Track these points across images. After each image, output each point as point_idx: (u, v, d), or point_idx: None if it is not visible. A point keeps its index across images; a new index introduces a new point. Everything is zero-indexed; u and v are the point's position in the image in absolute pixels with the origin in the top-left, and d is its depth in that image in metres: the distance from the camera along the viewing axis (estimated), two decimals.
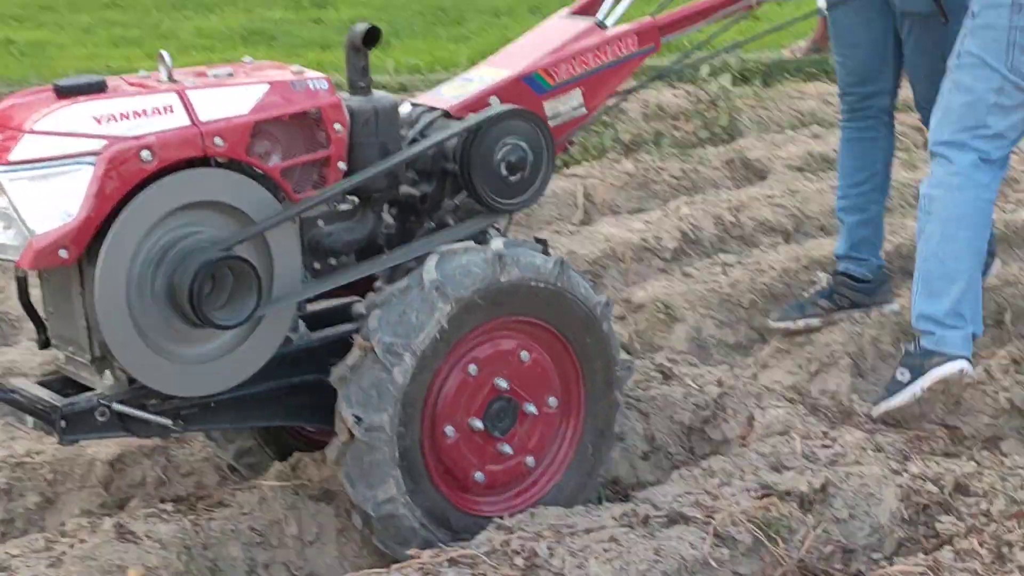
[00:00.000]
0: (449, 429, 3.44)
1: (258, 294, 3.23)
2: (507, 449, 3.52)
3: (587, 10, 4.02)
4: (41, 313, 3.42)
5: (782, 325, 4.86)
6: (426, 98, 3.79)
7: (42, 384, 3.39)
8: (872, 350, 4.63)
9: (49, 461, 3.92)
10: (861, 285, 4.90)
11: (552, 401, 3.59)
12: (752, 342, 5.02)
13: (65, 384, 3.37)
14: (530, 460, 3.58)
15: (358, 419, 3.29)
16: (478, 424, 3.47)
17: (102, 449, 3.99)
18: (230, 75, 3.32)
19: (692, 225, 5.78)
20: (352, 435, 3.31)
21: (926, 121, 4.69)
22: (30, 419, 3.29)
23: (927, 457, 3.85)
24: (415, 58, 9.31)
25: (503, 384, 3.48)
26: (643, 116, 7.87)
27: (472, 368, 3.44)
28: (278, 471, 3.85)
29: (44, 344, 3.42)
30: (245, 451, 3.95)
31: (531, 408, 3.54)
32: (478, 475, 3.51)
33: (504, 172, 3.57)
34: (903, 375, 4.19)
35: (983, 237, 4.26)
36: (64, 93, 3.12)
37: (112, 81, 3.24)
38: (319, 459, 3.86)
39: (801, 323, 4.84)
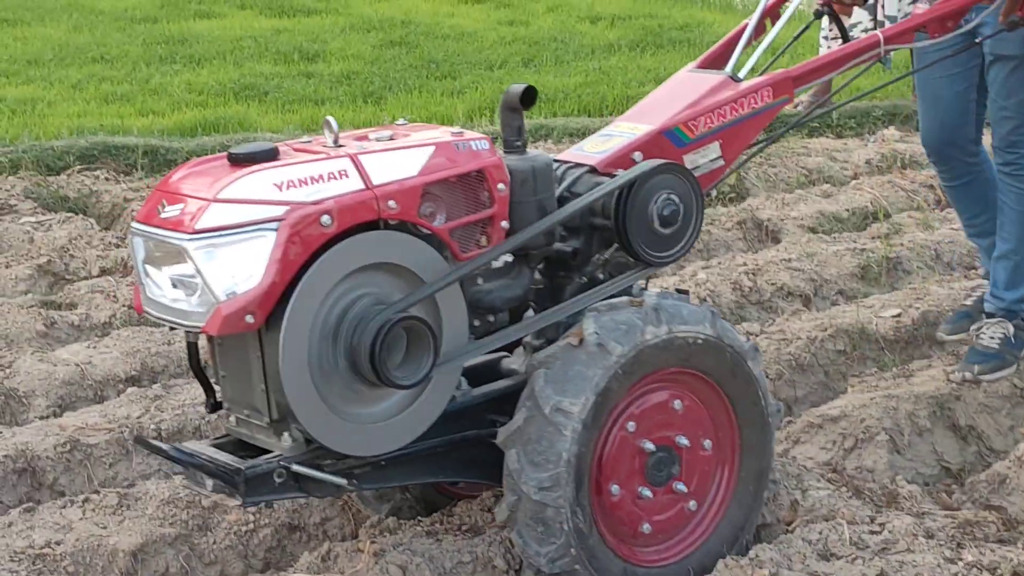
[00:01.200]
0: (631, 425, 3.53)
1: (434, 352, 3.30)
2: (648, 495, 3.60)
3: (712, 64, 4.13)
4: (211, 377, 3.50)
5: (957, 337, 5.04)
6: (569, 155, 3.85)
7: (217, 447, 3.46)
8: (908, 424, 4.52)
9: (70, 552, 3.79)
10: None
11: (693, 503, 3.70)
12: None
13: (237, 447, 3.45)
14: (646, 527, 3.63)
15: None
16: (649, 446, 3.56)
17: (124, 538, 3.87)
18: (391, 138, 3.45)
19: (710, 291, 5.67)
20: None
21: (1003, 164, 4.75)
22: (210, 482, 3.33)
23: (980, 544, 3.73)
24: (411, 113, 9.18)
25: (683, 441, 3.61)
26: None
27: (677, 403, 3.59)
28: (308, 563, 3.73)
29: (213, 408, 3.50)
30: (397, 509, 4.03)
31: (681, 487, 3.64)
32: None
33: (658, 225, 3.63)
34: None
35: None
36: (239, 161, 3.24)
37: (281, 147, 3.36)
38: (351, 549, 3.74)
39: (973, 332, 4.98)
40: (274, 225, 3.13)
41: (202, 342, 3.52)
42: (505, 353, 3.77)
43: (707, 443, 3.64)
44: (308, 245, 3.16)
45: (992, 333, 4.88)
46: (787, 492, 4.00)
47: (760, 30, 4.28)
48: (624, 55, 11.21)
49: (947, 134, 4.92)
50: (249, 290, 3.11)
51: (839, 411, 4.59)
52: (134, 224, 3.31)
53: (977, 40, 4.52)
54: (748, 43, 4.15)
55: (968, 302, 5.13)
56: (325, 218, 3.17)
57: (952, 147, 4.94)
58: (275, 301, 3.14)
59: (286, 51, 11.45)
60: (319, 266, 3.18)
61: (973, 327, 5.02)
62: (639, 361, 3.46)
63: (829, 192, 7.21)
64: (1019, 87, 4.66)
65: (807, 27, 4.53)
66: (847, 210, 6.93)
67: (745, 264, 5.97)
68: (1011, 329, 4.88)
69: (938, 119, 4.92)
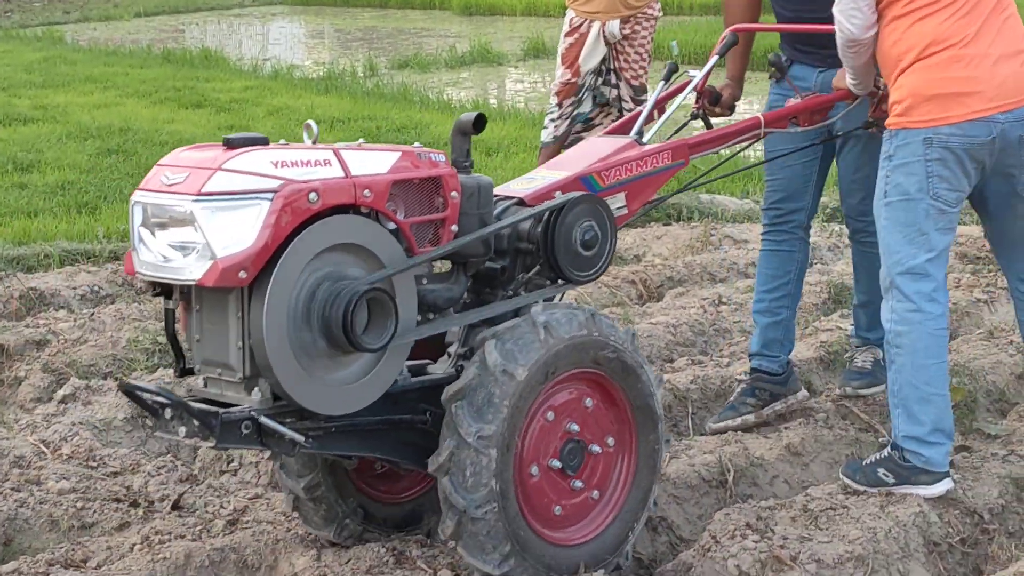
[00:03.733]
0: (550, 416, 4.08)
1: (395, 323, 3.76)
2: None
3: (619, 131, 4.89)
4: (183, 343, 3.91)
5: (722, 425, 5.46)
6: (499, 190, 4.36)
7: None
8: None
9: None
10: (775, 378, 5.56)
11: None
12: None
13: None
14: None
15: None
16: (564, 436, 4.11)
17: None
18: (360, 145, 3.90)
19: None
20: None
21: (853, 232, 5.51)
22: (183, 429, 3.71)
23: None
24: (126, 223, 9.06)
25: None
26: None
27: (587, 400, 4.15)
28: None
29: (182, 373, 3.93)
30: (313, 486, 4.35)
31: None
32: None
33: (581, 248, 4.20)
34: (887, 476, 4.67)
35: (946, 358, 4.74)
36: (234, 145, 3.71)
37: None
38: None
39: (738, 420, 5.48)
40: (270, 195, 3.59)
41: None
42: (429, 361, 4.21)
43: (610, 440, 4.18)
44: (297, 216, 3.61)
45: (864, 358, 5.58)
46: None
47: (648, 119, 4.96)
48: None
49: (790, 197, 5.47)
50: (244, 249, 3.55)
51: None
52: (136, 193, 3.73)
53: (836, 135, 5.24)
54: (643, 123, 4.84)
55: (731, 397, 5.60)
56: (312, 195, 3.64)
57: (791, 211, 5.49)
58: (264, 262, 3.57)
59: None
60: (305, 236, 3.63)
61: (846, 355, 5.76)
62: (541, 372, 3.95)
63: None
64: (867, 162, 5.24)
65: (685, 124, 5.20)
66: None
67: None
68: (879, 354, 5.49)
69: (783, 185, 5.49)
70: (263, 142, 3.76)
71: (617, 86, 8.67)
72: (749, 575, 4.21)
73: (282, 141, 3.91)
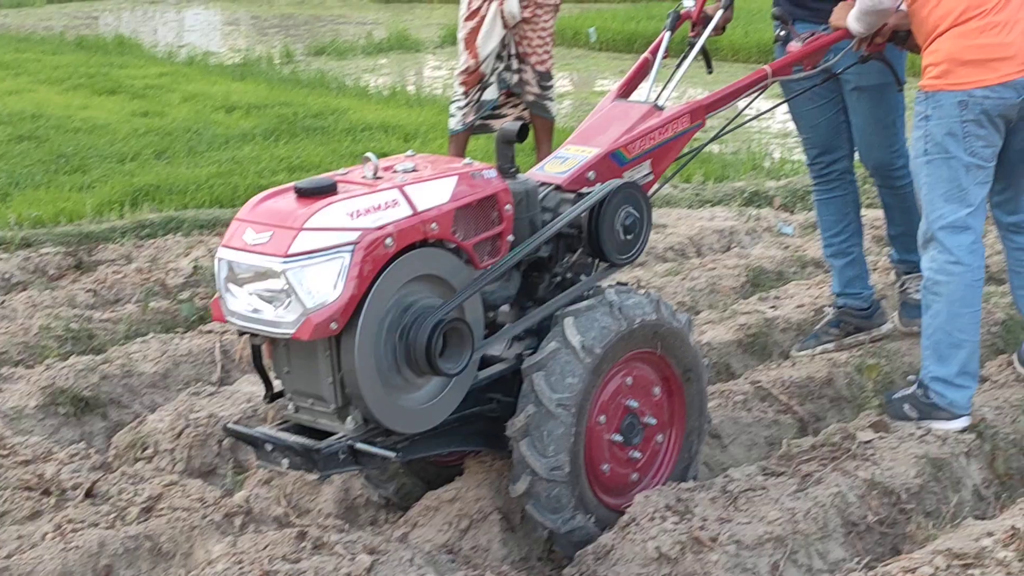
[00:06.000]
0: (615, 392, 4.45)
1: (472, 346, 4.07)
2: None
3: (627, 91, 5.09)
4: (271, 374, 4.21)
5: (805, 353, 5.97)
6: (533, 175, 4.61)
7: (283, 431, 4.13)
8: (519, 503, 4.62)
9: None
10: (861, 313, 6.05)
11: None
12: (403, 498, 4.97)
13: (296, 431, 4.13)
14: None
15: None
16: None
17: None
18: (414, 169, 4.15)
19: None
20: None
21: (883, 182, 5.86)
22: (286, 461, 4.03)
23: None
24: (37, 210, 8.98)
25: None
26: None
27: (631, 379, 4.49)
28: None
29: (271, 399, 4.25)
30: (400, 487, 4.79)
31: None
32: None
33: (622, 234, 4.44)
34: (912, 411, 5.08)
35: (979, 307, 5.11)
36: (306, 194, 3.93)
37: (335, 178, 4.06)
38: None
39: (819, 349, 5.99)
40: (350, 248, 3.83)
41: None
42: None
43: (662, 415, 4.55)
44: (376, 263, 3.87)
45: (918, 285, 5.63)
46: None
47: (640, 74, 5.17)
48: (258, 144, 11.22)
49: (827, 151, 5.91)
50: (333, 301, 3.80)
51: (454, 493, 4.68)
52: (221, 248, 3.95)
53: (838, 72, 5.47)
54: (656, 72, 5.06)
55: (816, 326, 6.12)
56: (388, 240, 3.89)
57: (832, 162, 5.93)
58: (352, 311, 3.83)
59: None
60: (384, 279, 3.89)
61: (898, 284, 6.10)
62: (613, 351, 4.29)
63: None
64: (884, 113, 5.67)
65: (685, 55, 5.19)
66: None
67: None
68: None
69: (818, 142, 5.92)
70: (332, 188, 3.94)
71: (519, 71, 8.60)
72: (669, 557, 4.20)
73: (343, 170, 4.19)
